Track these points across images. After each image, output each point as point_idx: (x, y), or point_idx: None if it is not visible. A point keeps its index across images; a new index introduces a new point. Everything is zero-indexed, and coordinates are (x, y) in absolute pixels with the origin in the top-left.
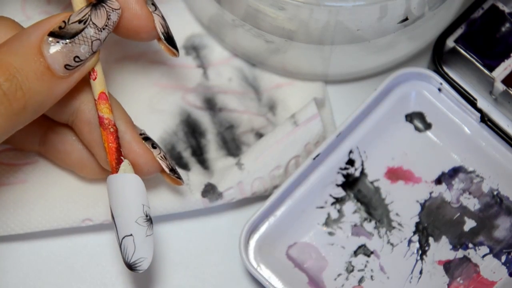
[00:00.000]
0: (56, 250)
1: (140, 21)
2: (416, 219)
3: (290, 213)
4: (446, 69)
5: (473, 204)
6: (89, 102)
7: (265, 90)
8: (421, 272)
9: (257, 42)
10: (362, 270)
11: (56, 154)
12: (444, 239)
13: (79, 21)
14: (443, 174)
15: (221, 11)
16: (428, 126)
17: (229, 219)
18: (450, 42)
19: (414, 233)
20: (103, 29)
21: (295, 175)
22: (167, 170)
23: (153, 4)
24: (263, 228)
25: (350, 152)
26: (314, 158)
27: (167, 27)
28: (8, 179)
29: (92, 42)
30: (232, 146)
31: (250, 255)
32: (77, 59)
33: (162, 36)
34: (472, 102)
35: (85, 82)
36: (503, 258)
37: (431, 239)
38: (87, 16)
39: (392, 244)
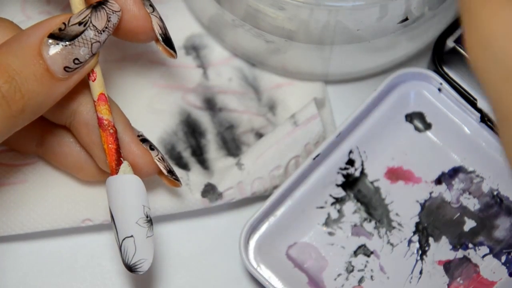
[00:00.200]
0: (56, 250)
1: (138, 23)
2: (416, 219)
3: (290, 213)
4: (446, 69)
5: (473, 204)
6: (87, 103)
7: (265, 90)
8: (421, 272)
9: (257, 42)
10: (362, 270)
11: (53, 156)
12: (444, 239)
13: (79, 23)
14: (443, 174)
15: (221, 11)
16: (428, 126)
17: (229, 219)
18: (450, 42)
19: (414, 233)
20: (103, 31)
21: (295, 175)
22: (165, 172)
23: (151, 5)
24: (263, 228)
25: (350, 152)
26: (314, 158)
27: (165, 29)
28: (8, 179)
29: (92, 44)
30: (232, 146)
31: (250, 255)
32: (76, 61)
33: (160, 38)
34: (472, 102)
35: (83, 84)
36: (503, 258)
37: (431, 239)
38: (87, 18)
39: (392, 244)
